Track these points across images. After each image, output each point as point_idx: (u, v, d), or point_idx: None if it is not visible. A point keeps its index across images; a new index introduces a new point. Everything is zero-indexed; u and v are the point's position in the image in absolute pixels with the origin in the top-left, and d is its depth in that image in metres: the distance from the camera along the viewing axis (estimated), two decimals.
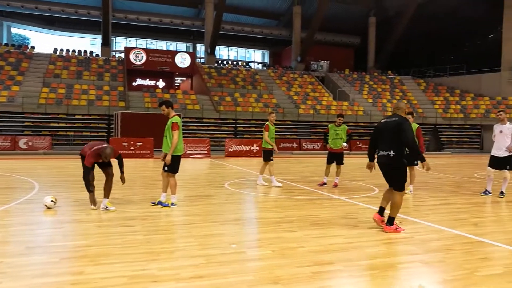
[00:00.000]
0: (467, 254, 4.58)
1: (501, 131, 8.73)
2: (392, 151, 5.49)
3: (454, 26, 36.34)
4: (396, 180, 5.62)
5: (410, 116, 8.56)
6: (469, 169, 16.05)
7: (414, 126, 8.44)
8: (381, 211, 5.84)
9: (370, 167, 6.00)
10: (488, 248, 4.85)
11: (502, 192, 8.81)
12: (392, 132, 5.52)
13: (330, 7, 39.32)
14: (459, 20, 35.47)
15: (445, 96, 35.72)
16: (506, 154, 8.64)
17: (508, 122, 8.74)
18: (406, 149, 5.55)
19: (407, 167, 8.82)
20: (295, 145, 26.77)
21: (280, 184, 9.93)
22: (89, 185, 6.55)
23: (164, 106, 7.09)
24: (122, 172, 6.90)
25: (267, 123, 9.94)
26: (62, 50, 33.82)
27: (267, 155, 10.00)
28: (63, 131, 23.94)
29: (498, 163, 8.79)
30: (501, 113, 8.81)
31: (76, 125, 24.39)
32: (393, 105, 6.15)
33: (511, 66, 33.79)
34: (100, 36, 35.33)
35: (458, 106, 33.97)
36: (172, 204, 7.04)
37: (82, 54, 33.94)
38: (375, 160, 5.87)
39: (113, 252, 4.43)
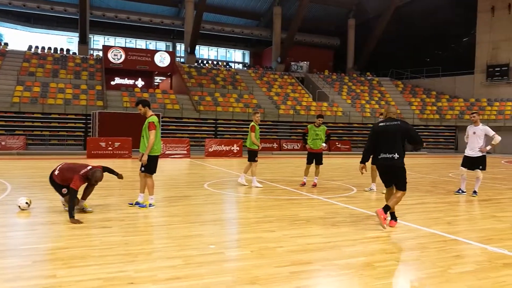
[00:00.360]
0: (441, 252, 4.68)
1: (474, 132, 9.03)
2: (396, 154, 5.78)
3: (431, 29, 37.18)
4: (401, 180, 5.91)
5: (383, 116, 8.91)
6: (444, 169, 16.44)
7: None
8: (386, 208, 5.89)
9: (362, 168, 6.16)
10: (461, 246, 4.97)
11: (475, 192, 9.06)
12: (396, 135, 5.80)
13: (310, 9, 39.69)
14: (435, 24, 36.31)
15: (421, 97, 36.51)
16: (479, 154, 8.92)
17: (481, 124, 9.04)
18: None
19: (371, 166, 9.20)
20: (275, 145, 26.87)
21: (260, 185, 9.93)
22: (73, 209, 5.89)
23: (140, 106, 6.99)
24: (116, 174, 6.79)
25: (252, 123, 9.93)
26: (37, 47, 33.01)
27: (253, 156, 10.01)
28: (38, 131, 23.37)
29: (471, 163, 9.07)
30: (475, 115, 9.13)
31: (52, 124, 23.84)
32: (385, 109, 6.27)
33: (484, 69, 34.81)
34: (77, 34, 34.62)
35: (434, 108, 34.78)
36: (150, 205, 6.96)
37: (59, 52, 33.21)
38: (377, 162, 6.02)
39: (89, 254, 4.34)
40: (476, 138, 8.94)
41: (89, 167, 6.30)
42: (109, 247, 4.62)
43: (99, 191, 8.60)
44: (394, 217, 5.98)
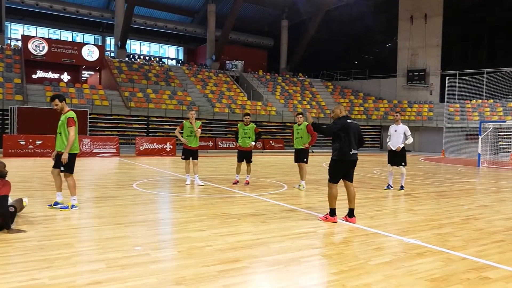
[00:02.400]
0: (363, 245, 4.93)
1: (395, 130, 9.81)
2: (356, 150, 6.19)
3: (358, 34, 39.28)
4: (353, 173, 6.34)
5: (300, 115, 9.60)
6: (370, 166, 17.44)
7: (304, 124, 9.58)
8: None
9: None
10: (381, 239, 5.28)
11: (402, 186, 9.82)
12: (356, 132, 6.20)
13: (244, 8, 39.97)
14: (362, 29, 38.41)
15: (350, 98, 38.41)
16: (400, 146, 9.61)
17: (401, 123, 9.78)
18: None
19: (300, 164, 9.52)
20: (210, 143, 26.70)
21: (188, 182, 9.91)
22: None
23: (57, 100, 6.51)
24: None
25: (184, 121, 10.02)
26: None
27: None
28: None
29: (394, 158, 9.81)
30: (398, 114, 10.04)
31: None
32: (340, 108, 6.41)
33: (404, 73, 37.51)
34: None
35: (361, 108, 36.76)
36: (73, 206, 6.55)
37: None
38: (347, 158, 6.11)
39: None
40: (397, 136, 9.73)
41: None
42: (22, 253, 4.26)
43: (15, 193, 7.92)
44: (353, 214, 6.22)
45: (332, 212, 6.18)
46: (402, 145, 9.68)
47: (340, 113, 6.28)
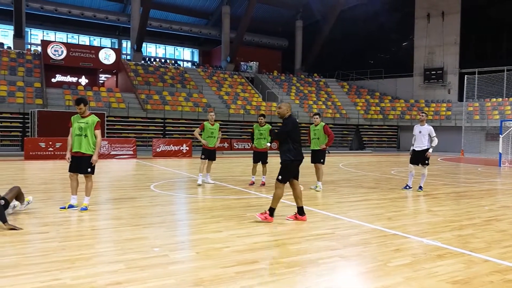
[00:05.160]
0: (382, 247, 4.87)
1: (420, 132, 9.60)
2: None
3: (373, 33, 38.89)
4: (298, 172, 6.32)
5: (316, 116, 9.56)
6: (387, 166, 17.23)
7: (321, 124, 9.55)
8: (301, 210, 6.17)
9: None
10: (400, 240, 5.21)
11: (420, 187, 9.65)
12: (299, 131, 6.29)
13: (258, 9, 40.00)
14: (377, 28, 38.01)
15: (366, 98, 38.06)
16: (424, 148, 9.47)
17: (426, 124, 9.58)
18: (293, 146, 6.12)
19: (317, 165, 9.45)
20: (226, 144, 26.79)
21: (200, 182, 10.05)
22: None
23: (82, 104, 6.70)
24: None
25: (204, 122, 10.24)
26: None
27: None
28: None
29: (417, 159, 9.65)
30: (423, 114, 9.66)
31: None
32: (287, 106, 6.32)
33: (421, 72, 36.97)
34: (12, 27, 32.39)
35: (378, 108, 36.38)
36: (85, 207, 6.67)
37: None
38: (299, 157, 6.15)
39: (21, 262, 4.05)
40: (421, 137, 9.53)
41: None
42: (44, 253, 4.35)
43: (36, 194, 8.11)
44: (303, 212, 6.20)
45: (272, 211, 6.09)
46: (430, 150, 9.45)
47: (287, 111, 6.19)
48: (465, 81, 32.48)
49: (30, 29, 38.26)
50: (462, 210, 7.39)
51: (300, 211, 6.19)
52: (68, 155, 6.71)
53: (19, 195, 6.33)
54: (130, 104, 26.88)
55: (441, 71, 35.90)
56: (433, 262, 4.31)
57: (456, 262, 4.31)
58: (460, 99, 34.46)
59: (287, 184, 6.18)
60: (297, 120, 6.22)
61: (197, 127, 10.44)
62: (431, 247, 4.89)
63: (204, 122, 10.15)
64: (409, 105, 36.23)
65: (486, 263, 4.32)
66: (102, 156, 18.90)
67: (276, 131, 6.39)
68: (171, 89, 31.09)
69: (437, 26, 35.87)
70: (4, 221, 5.32)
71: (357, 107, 36.58)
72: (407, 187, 9.88)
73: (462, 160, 23.16)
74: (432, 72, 36.32)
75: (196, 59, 46.98)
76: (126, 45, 41.82)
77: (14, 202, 6.27)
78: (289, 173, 6.13)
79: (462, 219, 6.57)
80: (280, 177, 6.06)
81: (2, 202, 5.68)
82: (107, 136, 22.10)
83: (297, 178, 6.26)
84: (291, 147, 6.05)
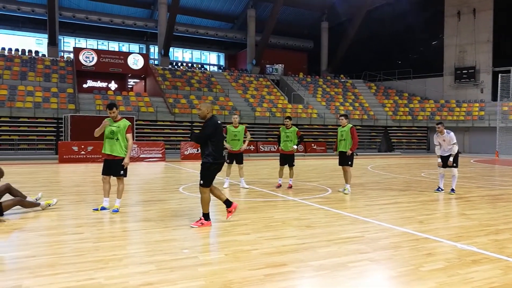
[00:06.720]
0: (413, 251, 4.77)
1: (444, 140, 9.54)
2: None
3: (401, 33, 38.11)
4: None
5: (342, 117, 9.46)
6: (417, 168, 16.83)
7: (349, 126, 9.36)
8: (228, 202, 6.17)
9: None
10: (432, 244, 5.07)
11: (452, 189, 9.43)
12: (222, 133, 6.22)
13: (283, 11, 40.00)
14: (405, 27, 37.24)
15: (394, 99, 37.33)
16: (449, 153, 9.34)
17: (445, 131, 9.42)
18: (211, 149, 5.90)
19: (345, 167, 9.28)
20: (252, 147, 26.84)
21: (226, 186, 10.12)
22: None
23: (115, 108, 6.91)
24: None
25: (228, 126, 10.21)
26: (3, 49, 31.94)
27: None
28: (6, 135, 22.58)
29: (445, 161, 9.51)
30: (439, 126, 9.53)
31: (21, 128, 23.08)
32: (209, 106, 6.08)
33: (452, 71, 35.94)
34: (46, 35, 33.68)
35: (406, 109, 35.61)
36: (116, 209, 6.84)
37: (27, 53, 32.19)
38: (221, 160, 6.05)
39: (58, 262, 4.19)
40: (446, 145, 9.53)
41: None
42: (79, 254, 4.48)
43: (70, 197, 8.38)
44: (209, 218, 6.00)
45: (207, 216, 5.95)
46: (451, 158, 9.37)
47: (208, 112, 5.98)
48: (499, 80, 31.29)
49: (63, 37, 39.62)
50: (499, 213, 7.13)
51: (206, 216, 5.98)
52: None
53: (11, 191, 6.77)
54: (158, 108, 27.39)
55: (473, 70, 34.78)
56: (468, 267, 4.18)
57: (493, 268, 4.16)
58: (494, 98, 33.23)
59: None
60: (219, 122, 5.96)
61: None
62: (466, 252, 4.74)
63: (227, 126, 10.08)
64: (439, 105, 35.29)
65: None
66: (132, 159, 19.23)
67: (195, 134, 6.06)
68: (198, 93, 31.48)
69: (468, 24, 34.81)
70: (1, 214, 5.94)
71: (385, 108, 35.93)
72: (439, 189, 9.64)
73: (497, 162, 22.34)
74: (464, 71, 35.24)
75: (222, 63, 47.41)
76: (154, 50, 42.66)
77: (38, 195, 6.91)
78: (211, 176, 5.95)
79: (498, 223, 6.34)
80: (202, 181, 5.89)
81: None
82: (136, 140, 22.59)
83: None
84: (210, 150, 5.86)
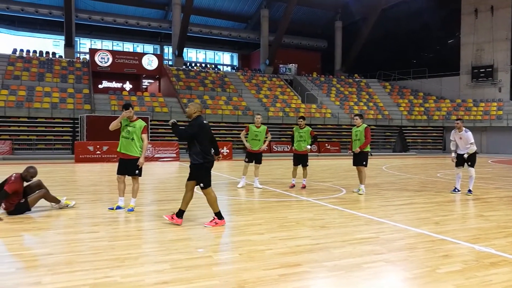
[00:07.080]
0: (429, 252, 4.70)
1: (460, 138, 9.37)
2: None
3: (416, 31, 37.64)
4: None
5: (357, 117, 9.47)
6: (433, 169, 16.60)
7: (363, 126, 9.37)
8: (181, 213, 5.96)
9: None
10: (449, 246, 5.00)
11: (469, 190, 9.28)
12: (211, 133, 6.20)
13: (297, 11, 39.88)
14: (420, 26, 36.78)
15: (409, 98, 36.88)
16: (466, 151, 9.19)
17: (464, 129, 9.26)
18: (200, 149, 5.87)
19: (359, 167, 9.20)
20: (266, 147, 26.82)
21: (242, 185, 10.22)
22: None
23: (131, 108, 7.00)
24: None
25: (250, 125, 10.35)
26: (22, 50, 32.56)
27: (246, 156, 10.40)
28: (25, 135, 23.03)
29: (462, 161, 9.39)
30: (458, 121, 9.41)
31: (38, 128, 23.52)
32: (198, 106, 6.15)
33: (469, 70, 35.33)
34: (63, 37, 34.25)
35: (422, 109, 35.15)
36: (132, 209, 6.91)
37: (44, 55, 32.78)
38: (211, 159, 6.02)
39: (75, 260, 4.26)
40: (463, 143, 9.34)
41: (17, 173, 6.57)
42: (96, 252, 4.55)
43: (86, 196, 8.51)
44: (182, 215, 5.96)
45: (219, 215, 5.92)
46: (466, 155, 9.25)
47: (195, 112, 5.93)
48: None
49: (79, 39, 40.25)
50: None
51: (180, 213, 5.93)
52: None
53: (41, 188, 6.86)
54: (172, 108, 27.60)
55: (490, 69, 34.14)
56: (486, 270, 4.10)
57: None
58: None
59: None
60: (206, 122, 5.95)
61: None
62: (484, 254, 4.66)
63: (249, 125, 10.22)
64: (455, 105, 34.74)
65: None
66: (146, 159, 19.41)
67: (178, 130, 5.97)
68: (211, 93, 31.61)
69: (485, 21, 34.19)
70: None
71: (400, 107, 35.52)
72: (456, 190, 9.49)
73: None
74: (481, 70, 34.62)
75: (235, 63, 47.53)
76: (168, 50, 43.01)
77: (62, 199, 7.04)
78: (208, 176, 5.93)
79: None
80: (202, 184, 5.83)
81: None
82: (151, 140, 22.80)
83: (195, 182, 5.93)
84: (198, 149, 5.83)
